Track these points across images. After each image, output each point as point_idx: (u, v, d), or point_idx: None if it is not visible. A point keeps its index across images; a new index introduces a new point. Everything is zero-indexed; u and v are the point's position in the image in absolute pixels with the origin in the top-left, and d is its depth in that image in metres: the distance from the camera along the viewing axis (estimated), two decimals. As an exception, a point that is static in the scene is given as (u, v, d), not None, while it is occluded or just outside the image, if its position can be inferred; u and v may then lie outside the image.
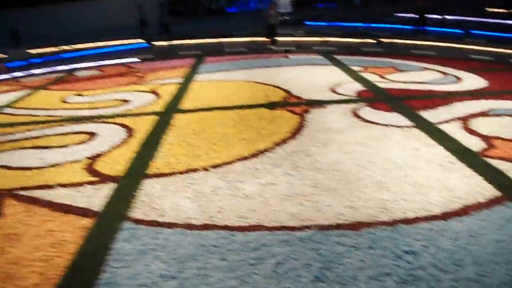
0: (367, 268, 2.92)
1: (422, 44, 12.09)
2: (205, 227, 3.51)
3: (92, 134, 5.88)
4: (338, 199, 3.81)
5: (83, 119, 6.73)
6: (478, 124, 5.50)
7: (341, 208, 3.66)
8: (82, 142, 5.62)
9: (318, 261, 3.01)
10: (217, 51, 13.13)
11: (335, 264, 2.98)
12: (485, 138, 5.05)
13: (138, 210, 3.82)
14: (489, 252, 3.04)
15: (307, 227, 3.41)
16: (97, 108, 7.31)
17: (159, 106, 7.18)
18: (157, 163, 4.78)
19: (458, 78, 8.20)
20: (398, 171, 4.30)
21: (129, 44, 15.68)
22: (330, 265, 2.97)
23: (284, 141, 5.22)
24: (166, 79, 9.38)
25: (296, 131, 5.53)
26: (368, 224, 3.42)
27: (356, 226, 3.40)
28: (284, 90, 7.77)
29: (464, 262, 2.95)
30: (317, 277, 2.86)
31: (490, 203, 3.67)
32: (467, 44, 11.24)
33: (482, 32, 13.04)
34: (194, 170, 4.55)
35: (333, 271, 2.91)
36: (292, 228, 3.41)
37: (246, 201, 3.85)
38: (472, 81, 7.96)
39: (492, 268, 2.88)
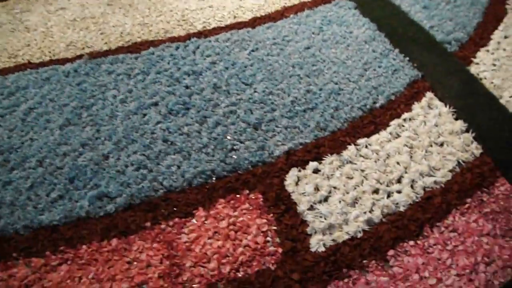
0: (131, 100, 2.34)
1: None
2: (-37, 76, 2.79)
3: None
4: (132, 16, 3.07)
5: None
6: None
7: (130, 27, 2.94)
8: None
9: (77, 98, 2.39)
10: None
11: (95, 99, 2.37)
12: None
13: None
14: (292, 63, 2.51)
15: (80, 57, 2.73)
16: None
17: None
18: None
19: None
20: (221, -27, 3.55)
21: None
22: (89, 102, 2.36)
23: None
24: None
25: None
26: (154, 43, 2.75)
27: (138, 48, 2.72)
28: None
29: (255, 79, 2.41)
30: (68, 119, 2.27)
31: (317, 2, 3.05)
32: None
33: None
34: (-17, 7, 3.66)
35: (89, 110, 2.32)
36: (63, 61, 2.71)
37: (24, 35, 3.07)
38: None
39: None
